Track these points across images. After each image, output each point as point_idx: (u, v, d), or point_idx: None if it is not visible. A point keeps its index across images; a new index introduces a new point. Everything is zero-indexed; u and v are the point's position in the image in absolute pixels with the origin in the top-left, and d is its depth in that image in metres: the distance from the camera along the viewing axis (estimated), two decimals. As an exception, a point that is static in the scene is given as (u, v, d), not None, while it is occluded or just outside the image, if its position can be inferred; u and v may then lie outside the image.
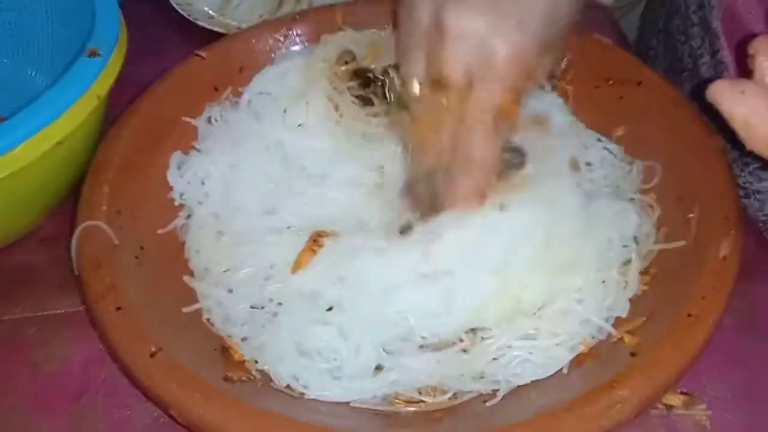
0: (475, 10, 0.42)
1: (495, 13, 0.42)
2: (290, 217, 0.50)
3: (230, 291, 0.47)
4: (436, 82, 0.44)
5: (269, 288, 0.47)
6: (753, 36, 0.37)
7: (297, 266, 0.46)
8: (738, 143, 0.37)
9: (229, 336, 0.45)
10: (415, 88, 0.45)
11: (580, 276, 0.46)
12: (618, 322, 0.45)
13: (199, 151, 0.54)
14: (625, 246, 0.48)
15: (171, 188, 0.52)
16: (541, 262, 0.45)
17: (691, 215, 0.47)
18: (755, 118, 0.36)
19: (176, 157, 0.53)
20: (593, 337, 0.45)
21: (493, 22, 0.42)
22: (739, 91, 0.36)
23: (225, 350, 0.45)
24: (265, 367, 0.44)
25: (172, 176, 0.53)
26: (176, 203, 0.52)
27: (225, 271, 0.49)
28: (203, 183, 0.53)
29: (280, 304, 0.46)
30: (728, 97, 0.36)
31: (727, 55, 0.56)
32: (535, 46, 0.43)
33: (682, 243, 0.46)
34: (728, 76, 0.55)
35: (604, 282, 0.46)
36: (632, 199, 0.51)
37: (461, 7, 0.42)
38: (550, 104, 0.56)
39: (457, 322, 0.45)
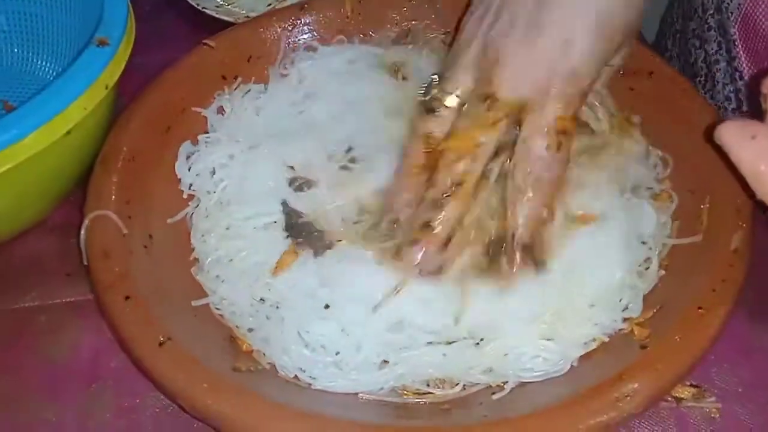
0: (529, 41, 0.42)
1: (549, 42, 0.42)
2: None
3: (233, 282, 0.47)
4: (481, 96, 0.43)
5: (268, 281, 0.47)
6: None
7: (278, 268, 0.46)
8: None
9: (237, 327, 0.45)
10: (452, 99, 0.45)
11: (596, 280, 0.45)
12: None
13: (208, 141, 0.54)
14: (644, 242, 0.48)
15: (179, 178, 0.52)
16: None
17: (702, 207, 0.47)
18: (764, 166, 0.34)
19: (185, 147, 0.53)
20: (605, 334, 0.44)
21: (548, 52, 0.42)
22: (750, 135, 0.34)
23: (233, 340, 0.45)
24: (272, 359, 0.44)
25: (180, 167, 0.52)
26: (185, 194, 0.52)
27: (230, 261, 0.49)
28: (213, 173, 0.53)
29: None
30: (737, 141, 0.35)
31: (744, 64, 0.55)
32: (589, 63, 0.42)
33: (698, 238, 0.46)
34: (746, 87, 0.54)
35: (620, 285, 0.46)
36: (649, 188, 0.51)
37: (516, 39, 0.42)
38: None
39: (464, 330, 0.44)
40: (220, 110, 0.56)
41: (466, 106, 0.45)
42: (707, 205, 0.47)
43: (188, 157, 0.53)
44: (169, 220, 0.50)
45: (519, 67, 0.42)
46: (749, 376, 0.47)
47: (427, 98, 0.47)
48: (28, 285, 0.52)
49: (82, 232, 0.46)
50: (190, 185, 0.52)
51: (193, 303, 0.46)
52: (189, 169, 0.53)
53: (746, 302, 0.43)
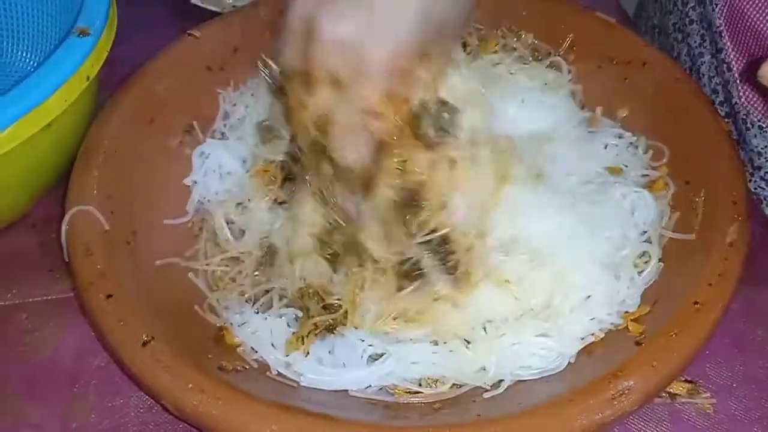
0: (346, 17, 0.41)
1: (365, 19, 0.41)
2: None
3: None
4: (304, 79, 0.43)
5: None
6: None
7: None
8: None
9: (225, 323, 0.45)
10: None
11: (591, 273, 0.45)
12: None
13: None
14: (644, 232, 0.47)
15: (163, 171, 0.51)
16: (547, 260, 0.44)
17: (697, 200, 0.46)
18: None
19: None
20: (601, 330, 0.44)
21: (363, 27, 0.41)
22: None
23: (219, 339, 0.44)
24: (260, 356, 0.43)
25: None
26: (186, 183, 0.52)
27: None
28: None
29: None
30: None
31: (731, 55, 0.54)
32: (409, 48, 0.42)
33: (692, 236, 0.46)
34: (734, 78, 0.53)
35: (617, 278, 0.45)
36: (645, 175, 0.50)
37: (333, 13, 0.41)
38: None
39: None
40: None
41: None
42: (702, 197, 0.46)
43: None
44: (152, 216, 0.49)
45: (335, 44, 0.41)
46: (743, 370, 0.46)
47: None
48: (8, 282, 0.51)
49: (63, 228, 0.45)
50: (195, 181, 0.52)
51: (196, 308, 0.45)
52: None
53: (741, 295, 0.43)
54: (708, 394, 0.45)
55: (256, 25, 0.58)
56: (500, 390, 0.41)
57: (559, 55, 0.57)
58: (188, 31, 0.55)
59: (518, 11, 0.58)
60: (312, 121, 0.43)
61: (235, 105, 0.56)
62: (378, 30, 0.41)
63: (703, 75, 0.57)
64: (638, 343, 0.40)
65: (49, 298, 0.50)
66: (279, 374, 0.43)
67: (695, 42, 0.57)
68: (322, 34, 0.41)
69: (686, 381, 0.45)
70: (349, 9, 0.41)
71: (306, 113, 0.43)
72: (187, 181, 0.52)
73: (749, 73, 0.54)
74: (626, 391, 0.37)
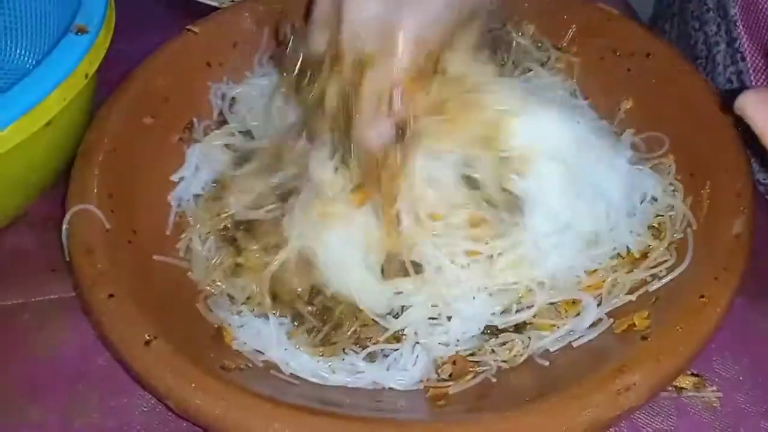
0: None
1: None
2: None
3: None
4: (333, 57, 0.43)
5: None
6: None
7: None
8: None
9: (226, 324, 0.44)
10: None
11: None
12: (628, 305, 0.44)
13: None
14: (654, 200, 0.48)
15: (164, 169, 0.51)
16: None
17: (702, 192, 0.46)
18: None
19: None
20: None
21: (393, 5, 0.41)
22: None
23: (221, 338, 0.44)
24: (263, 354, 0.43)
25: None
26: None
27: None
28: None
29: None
30: (760, 110, 0.34)
31: (745, 45, 0.53)
32: (435, 26, 0.42)
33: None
34: (747, 68, 0.53)
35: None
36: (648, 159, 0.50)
37: None
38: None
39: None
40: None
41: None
42: (707, 190, 0.46)
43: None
44: (153, 214, 0.49)
45: (362, 24, 0.42)
46: (750, 364, 0.46)
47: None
48: (10, 281, 0.51)
49: (64, 227, 0.44)
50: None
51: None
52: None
53: (747, 289, 0.42)
54: (714, 388, 0.45)
55: (256, 20, 0.57)
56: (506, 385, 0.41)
57: (561, 48, 0.57)
58: (187, 27, 0.55)
59: (520, 3, 0.58)
60: (334, 101, 0.43)
61: (233, 99, 0.56)
62: (406, 8, 0.41)
63: (719, 64, 0.57)
64: (644, 338, 0.40)
65: (51, 297, 0.50)
66: (281, 372, 0.43)
67: (711, 30, 0.57)
68: (349, 14, 0.41)
69: (692, 374, 0.45)
70: None
71: (331, 91, 0.43)
72: (174, 178, 0.52)
73: (763, 64, 0.53)
74: (632, 387, 0.37)
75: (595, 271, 0.46)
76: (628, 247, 0.46)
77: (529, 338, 0.44)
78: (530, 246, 0.44)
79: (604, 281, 0.45)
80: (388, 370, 0.43)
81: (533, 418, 0.37)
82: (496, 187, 0.45)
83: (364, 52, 0.42)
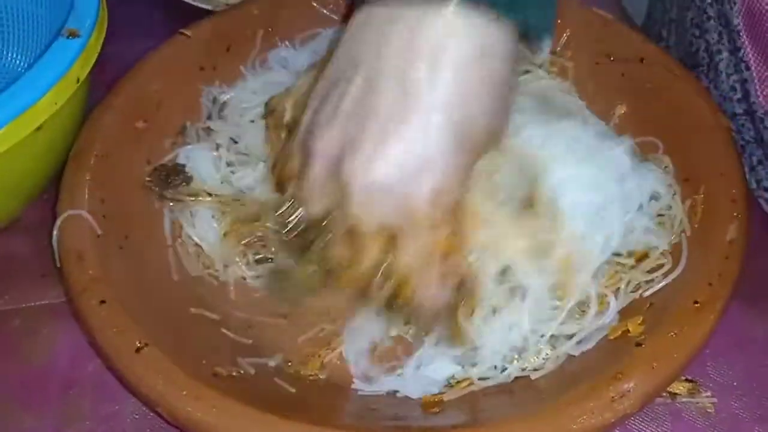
0: (377, 159, 0.37)
1: (400, 157, 0.37)
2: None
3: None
4: (351, 235, 0.39)
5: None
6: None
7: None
8: None
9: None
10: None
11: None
12: (622, 312, 0.44)
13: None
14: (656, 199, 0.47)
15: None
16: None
17: (696, 197, 0.46)
18: None
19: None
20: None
21: (399, 168, 0.37)
22: None
23: (215, 345, 0.43)
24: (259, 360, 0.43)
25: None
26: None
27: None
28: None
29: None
30: None
31: (750, 54, 0.53)
32: (451, 179, 0.39)
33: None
34: (752, 77, 0.53)
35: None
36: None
37: (363, 156, 0.37)
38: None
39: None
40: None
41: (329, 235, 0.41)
42: (701, 195, 0.46)
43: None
44: (145, 219, 0.48)
45: (374, 195, 0.38)
46: (744, 369, 0.46)
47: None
48: (1, 287, 0.50)
49: (54, 233, 0.44)
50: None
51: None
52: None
53: (741, 294, 0.42)
54: (709, 393, 0.45)
55: (249, 23, 0.57)
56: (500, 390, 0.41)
57: (555, 52, 0.57)
58: (180, 31, 0.55)
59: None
60: (383, 280, 0.40)
61: (224, 103, 0.55)
62: (415, 166, 0.37)
63: (721, 72, 0.56)
64: (638, 344, 0.39)
65: (42, 303, 0.50)
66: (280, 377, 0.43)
67: (713, 39, 0.56)
68: (355, 185, 0.37)
69: (687, 380, 0.45)
70: (379, 149, 0.37)
71: (361, 269, 0.40)
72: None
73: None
74: (626, 393, 0.37)
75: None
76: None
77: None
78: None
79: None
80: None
81: (527, 425, 0.36)
82: None
83: (389, 225, 0.38)
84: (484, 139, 0.40)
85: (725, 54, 0.55)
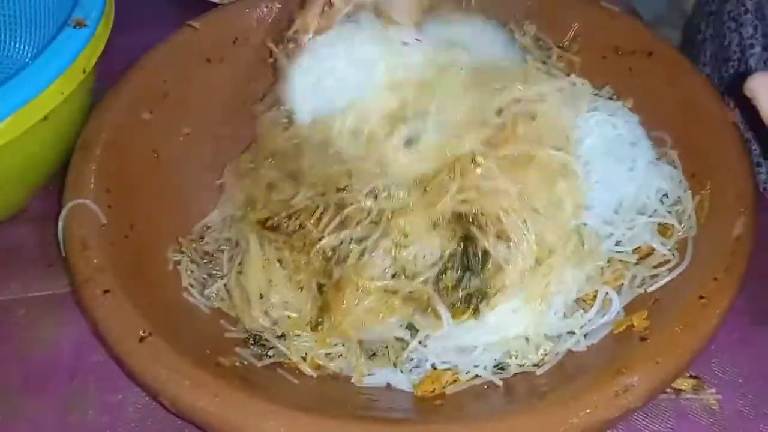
0: None
1: None
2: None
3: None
4: None
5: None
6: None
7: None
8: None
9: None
10: None
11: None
12: (627, 306, 0.43)
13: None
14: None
15: (162, 164, 0.51)
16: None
17: (703, 192, 0.45)
18: None
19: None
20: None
21: None
22: None
23: (218, 334, 0.43)
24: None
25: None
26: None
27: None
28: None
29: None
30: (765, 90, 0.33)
31: None
32: None
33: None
34: None
35: None
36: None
37: None
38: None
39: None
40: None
41: None
42: (708, 190, 0.46)
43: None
44: (151, 209, 0.48)
45: None
46: (749, 366, 0.46)
47: None
48: (6, 277, 0.51)
49: (60, 222, 0.44)
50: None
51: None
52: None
53: (746, 290, 0.42)
54: (713, 390, 0.44)
55: (256, 16, 0.57)
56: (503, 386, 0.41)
57: (562, 46, 0.57)
58: (187, 22, 0.55)
59: (522, 1, 0.57)
60: None
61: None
62: None
63: (752, 67, 0.56)
64: (642, 339, 0.39)
65: (47, 293, 0.50)
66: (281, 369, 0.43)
67: (748, 33, 0.56)
68: None
69: (691, 377, 0.45)
70: None
71: None
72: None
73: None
74: (630, 388, 0.37)
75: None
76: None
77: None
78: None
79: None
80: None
81: (530, 418, 0.36)
82: None
83: None
84: None
85: (758, 49, 0.54)
